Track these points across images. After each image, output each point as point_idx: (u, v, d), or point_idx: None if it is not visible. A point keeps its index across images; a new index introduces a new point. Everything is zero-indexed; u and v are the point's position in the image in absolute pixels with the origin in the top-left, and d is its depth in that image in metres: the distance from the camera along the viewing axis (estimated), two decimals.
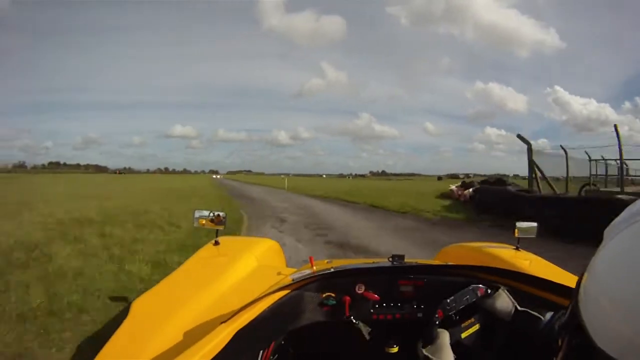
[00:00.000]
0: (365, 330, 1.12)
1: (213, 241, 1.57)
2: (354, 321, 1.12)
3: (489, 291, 1.14)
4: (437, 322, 1.10)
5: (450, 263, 1.46)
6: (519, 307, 1.08)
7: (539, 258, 1.59)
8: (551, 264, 1.55)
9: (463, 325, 1.14)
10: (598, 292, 0.39)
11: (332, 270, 1.16)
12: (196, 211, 1.59)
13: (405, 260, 1.23)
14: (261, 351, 1.00)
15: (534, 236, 1.62)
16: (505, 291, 1.13)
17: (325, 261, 1.45)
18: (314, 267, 1.25)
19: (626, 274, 0.36)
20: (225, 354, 0.80)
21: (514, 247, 1.63)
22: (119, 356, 0.86)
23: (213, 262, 1.45)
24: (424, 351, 1.04)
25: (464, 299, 1.13)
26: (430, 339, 1.07)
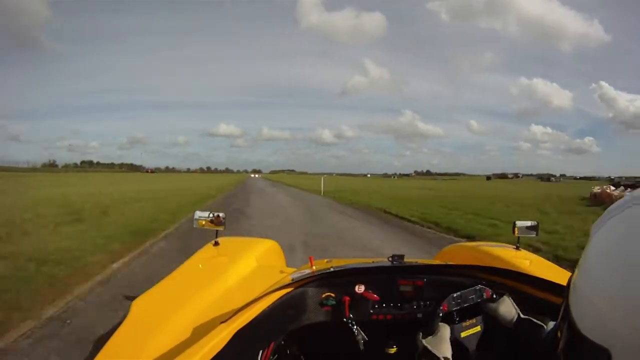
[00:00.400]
0: (360, 335, 1.12)
1: (213, 241, 1.58)
2: (350, 324, 1.12)
3: (495, 295, 1.13)
4: (440, 315, 1.10)
5: (450, 263, 1.46)
6: (522, 315, 1.07)
7: (539, 258, 1.58)
8: (551, 264, 1.54)
9: (464, 324, 1.14)
10: (584, 284, 0.43)
11: (331, 270, 1.17)
12: (196, 212, 1.59)
13: (405, 260, 1.24)
14: (261, 351, 1.01)
15: (534, 236, 1.61)
16: (510, 298, 1.12)
17: (325, 261, 1.45)
18: (314, 267, 1.25)
19: (608, 264, 0.39)
20: (225, 353, 0.80)
21: (514, 247, 1.61)
22: (119, 356, 0.86)
23: (213, 262, 1.46)
24: (424, 342, 1.05)
25: (470, 297, 1.13)
26: (431, 331, 1.08)
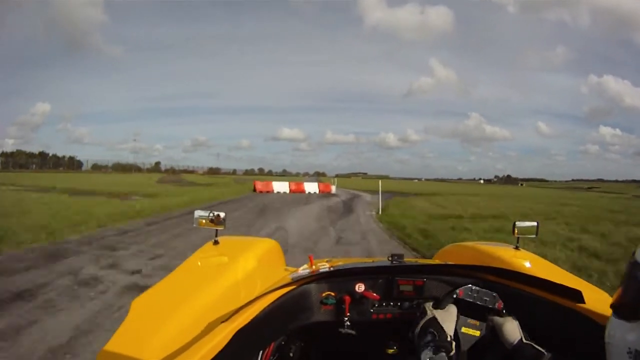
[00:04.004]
0: (347, 330, 1.13)
1: (212, 241, 1.58)
2: (344, 328, 1.13)
3: (504, 311, 1.13)
4: (455, 296, 1.12)
5: (449, 262, 1.46)
6: (524, 340, 1.05)
7: (539, 258, 1.57)
8: (551, 264, 1.54)
9: (469, 320, 1.13)
10: None
11: (331, 269, 1.18)
12: (196, 211, 1.59)
13: (405, 259, 1.24)
14: (261, 351, 1.01)
15: (534, 236, 1.61)
16: (517, 322, 1.09)
17: (325, 260, 1.45)
18: (314, 267, 1.26)
19: None
20: (225, 353, 0.80)
21: (514, 247, 1.61)
22: (119, 356, 0.86)
23: (213, 261, 1.45)
24: (434, 311, 1.07)
25: (484, 298, 1.13)
26: (442, 306, 1.10)
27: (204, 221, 1.57)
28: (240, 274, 1.33)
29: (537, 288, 1.13)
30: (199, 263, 1.45)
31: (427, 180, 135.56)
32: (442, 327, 1.04)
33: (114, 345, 0.89)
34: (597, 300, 1.03)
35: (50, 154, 72.55)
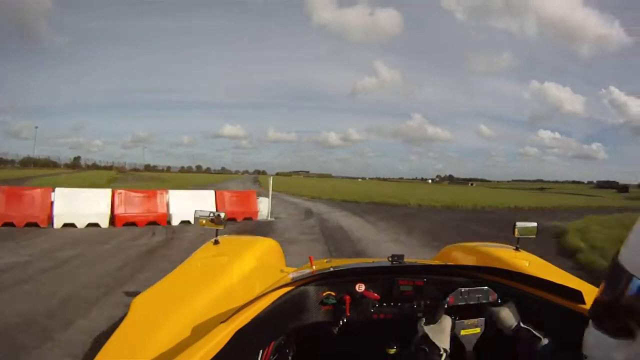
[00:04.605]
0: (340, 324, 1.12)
1: (213, 240, 1.58)
2: (342, 320, 1.12)
3: (499, 300, 1.14)
4: (445, 307, 1.11)
5: (450, 263, 1.49)
6: (522, 324, 1.08)
7: (539, 258, 1.60)
8: (550, 265, 1.56)
9: (465, 322, 1.14)
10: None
11: (332, 269, 1.17)
12: (196, 211, 1.59)
13: (405, 260, 1.24)
14: (261, 350, 1.00)
15: (534, 236, 1.63)
16: (514, 305, 1.13)
17: (325, 260, 1.45)
18: (314, 267, 1.25)
19: None
20: (226, 353, 0.80)
21: (514, 248, 1.63)
22: (119, 356, 0.85)
23: (213, 261, 1.45)
24: (425, 328, 1.06)
25: (476, 296, 1.14)
26: (434, 320, 1.08)
27: (204, 221, 1.57)
28: (241, 274, 1.33)
29: (538, 288, 1.14)
30: (199, 263, 1.45)
31: (370, 179, 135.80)
32: (433, 343, 1.04)
33: (113, 345, 0.88)
34: None
35: None
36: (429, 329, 1.06)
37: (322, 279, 1.14)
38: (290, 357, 1.16)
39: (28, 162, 59.03)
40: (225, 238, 1.63)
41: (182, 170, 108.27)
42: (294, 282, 1.10)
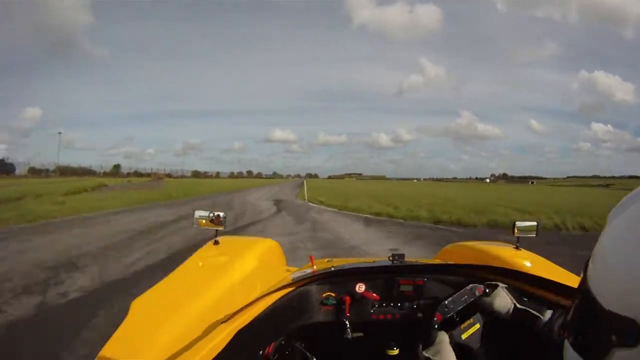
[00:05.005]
0: (347, 331, 1.12)
1: (213, 241, 1.58)
2: (349, 333, 1.12)
3: (487, 290, 1.13)
4: (436, 326, 1.10)
5: (450, 262, 1.46)
6: (518, 305, 1.08)
7: (539, 257, 1.58)
8: (551, 263, 1.54)
9: (463, 326, 1.14)
10: (605, 259, 0.46)
11: (332, 269, 1.17)
12: (196, 211, 1.58)
13: (406, 259, 1.23)
14: (261, 351, 1.01)
15: (534, 235, 1.62)
16: (504, 289, 1.12)
17: (326, 260, 1.45)
18: (315, 267, 1.25)
19: (633, 245, 0.42)
20: (226, 353, 0.80)
21: (514, 246, 1.62)
22: (119, 356, 0.86)
23: (213, 261, 1.45)
24: (425, 353, 1.04)
25: (462, 299, 1.13)
26: (430, 342, 1.07)
27: (204, 221, 1.57)
28: (241, 274, 1.33)
29: (538, 287, 1.13)
30: (200, 263, 1.45)
31: (425, 180, 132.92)
32: None
33: (113, 345, 0.88)
34: None
35: None
36: (429, 353, 1.05)
37: (323, 279, 1.14)
38: (289, 358, 1.16)
39: (65, 171, 59.22)
40: (226, 238, 1.63)
41: (232, 175, 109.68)
42: (294, 282, 1.10)
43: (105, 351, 0.85)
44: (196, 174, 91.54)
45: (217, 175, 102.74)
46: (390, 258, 1.23)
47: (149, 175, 68.81)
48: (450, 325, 1.13)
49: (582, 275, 0.50)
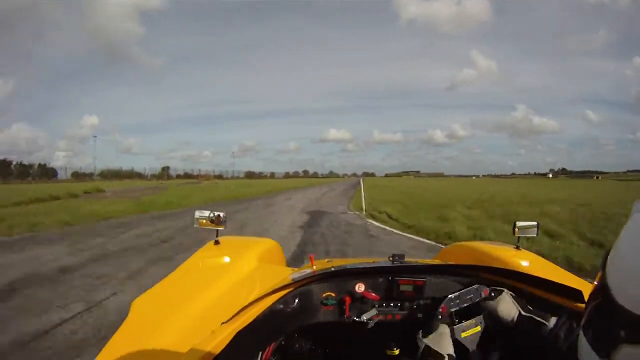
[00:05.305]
0: (365, 318, 1.13)
1: (213, 241, 1.59)
2: (355, 319, 1.13)
3: (493, 294, 1.13)
4: (440, 317, 1.10)
5: (450, 262, 1.47)
6: (522, 312, 1.07)
7: (540, 257, 1.58)
8: (552, 264, 1.54)
9: (464, 324, 1.13)
10: (623, 254, 0.46)
11: (332, 269, 1.17)
12: (196, 211, 1.59)
13: (406, 259, 1.24)
14: (261, 352, 1.01)
15: (534, 235, 1.63)
16: (510, 295, 1.11)
17: (326, 260, 1.46)
18: (314, 267, 1.25)
19: None
20: (226, 354, 0.80)
21: (515, 247, 1.61)
22: (119, 356, 0.86)
23: (213, 261, 1.46)
24: (425, 341, 1.05)
25: (468, 297, 1.13)
26: (431, 330, 1.08)
27: (204, 221, 1.57)
28: (241, 275, 1.33)
29: (538, 288, 1.13)
30: (200, 263, 1.45)
31: (484, 176, 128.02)
32: (436, 352, 1.04)
33: (114, 346, 0.89)
34: None
35: (15, 162, 58.75)
36: (428, 340, 1.06)
37: (322, 279, 1.15)
38: (289, 358, 1.16)
39: (108, 174, 60.02)
40: (226, 238, 1.64)
41: (287, 175, 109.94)
42: (294, 282, 1.10)
43: (106, 351, 0.86)
44: (249, 175, 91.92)
45: (272, 175, 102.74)
46: (390, 258, 1.23)
47: (196, 177, 69.75)
48: (451, 321, 1.13)
49: (601, 269, 0.51)
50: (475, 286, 1.13)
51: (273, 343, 1.07)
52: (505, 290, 1.12)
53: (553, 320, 0.99)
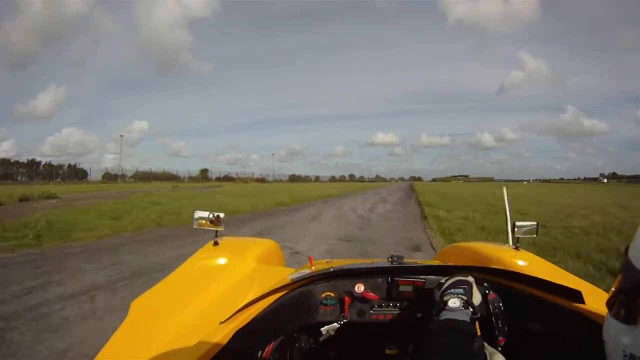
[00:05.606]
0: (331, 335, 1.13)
1: (212, 241, 1.59)
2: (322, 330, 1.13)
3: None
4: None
5: (449, 263, 1.46)
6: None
7: (539, 258, 1.57)
8: (551, 264, 1.54)
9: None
10: None
11: (331, 270, 1.17)
12: (195, 212, 1.59)
13: (405, 260, 1.24)
14: (260, 351, 1.01)
15: (534, 236, 1.63)
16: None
17: (325, 261, 1.46)
18: (313, 267, 1.26)
19: None
20: (225, 353, 0.80)
21: (514, 247, 1.61)
22: (119, 356, 0.87)
23: (212, 262, 1.46)
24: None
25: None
26: (435, 312, 1.07)
27: (203, 222, 1.58)
28: (240, 275, 1.34)
29: (537, 288, 1.12)
30: (199, 264, 1.46)
31: (534, 181, 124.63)
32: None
33: (112, 346, 0.89)
34: (597, 301, 1.02)
35: (44, 162, 57.58)
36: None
37: (322, 279, 1.15)
38: (289, 358, 1.17)
39: (143, 177, 59.01)
40: (225, 239, 1.64)
41: (332, 179, 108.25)
42: (293, 282, 1.10)
43: (105, 351, 0.86)
44: (293, 178, 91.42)
45: (317, 179, 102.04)
46: (389, 259, 1.24)
47: (233, 179, 68.99)
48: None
49: (624, 255, 0.58)
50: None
51: (272, 342, 1.07)
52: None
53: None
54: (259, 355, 1.01)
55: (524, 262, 1.43)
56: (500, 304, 1.12)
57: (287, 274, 1.27)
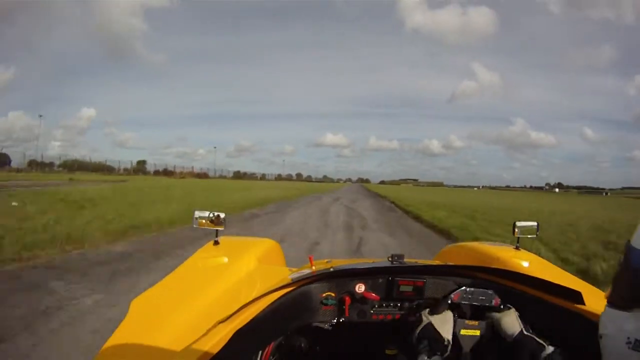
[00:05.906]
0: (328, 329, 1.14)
1: (213, 241, 1.58)
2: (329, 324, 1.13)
3: (502, 306, 1.13)
4: (450, 302, 1.11)
5: (450, 263, 1.47)
6: (524, 331, 1.05)
7: (539, 258, 1.59)
8: (551, 264, 1.55)
9: (467, 322, 1.13)
10: None
11: (331, 270, 1.16)
12: (196, 211, 1.58)
13: (406, 260, 1.23)
14: (260, 351, 1.01)
15: (534, 236, 1.63)
16: (516, 313, 1.10)
17: (325, 261, 1.45)
18: (314, 267, 1.25)
19: None
20: (224, 353, 0.80)
21: (514, 247, 1.62)
22: (118, 356, 0.86)
23: (212, 262, 1.45)
24: (430, 317, 1.06)
25: (480, 297, 1.13)
26: (437, 311, 1.09)
27: (203, 221, 1.57)
28: (241, 275, 1.33)
29: (537, 288, 1.13)
30: (199, 263, 1.45)
31: (483, 188, 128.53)
32: (437, 332, 1.04)
33: (112, 346, 0.88)
34: (597, 301, 1.03)
35: None
36: (433, 319, 1.07)
37: (322, 279, 1.15)
38: (289, 358, 1.16)
39: (73, 166, 54.02)
40: (225, 239, 1.63)
41: (279, 177, 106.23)
42: (293, 282, 1.10)
43: (104, 351, 0.86)
44: (238, 175, 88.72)
45: (263, 177, 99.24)
46: (390, 259, 1.23)
47: (172, 173, 65.03)
48: (459, 312, 1.13)
49: (625, 246, 0.59)
50: (489, 291, 1.13)
51: (272, 342, 1.07)
52: (513, 309, 1.11)
53: (550, 349, 0.98)
54: (260, 354, 1.00)
55: (524, 262, 1.44)
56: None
57: (287, 274, 1.26)
